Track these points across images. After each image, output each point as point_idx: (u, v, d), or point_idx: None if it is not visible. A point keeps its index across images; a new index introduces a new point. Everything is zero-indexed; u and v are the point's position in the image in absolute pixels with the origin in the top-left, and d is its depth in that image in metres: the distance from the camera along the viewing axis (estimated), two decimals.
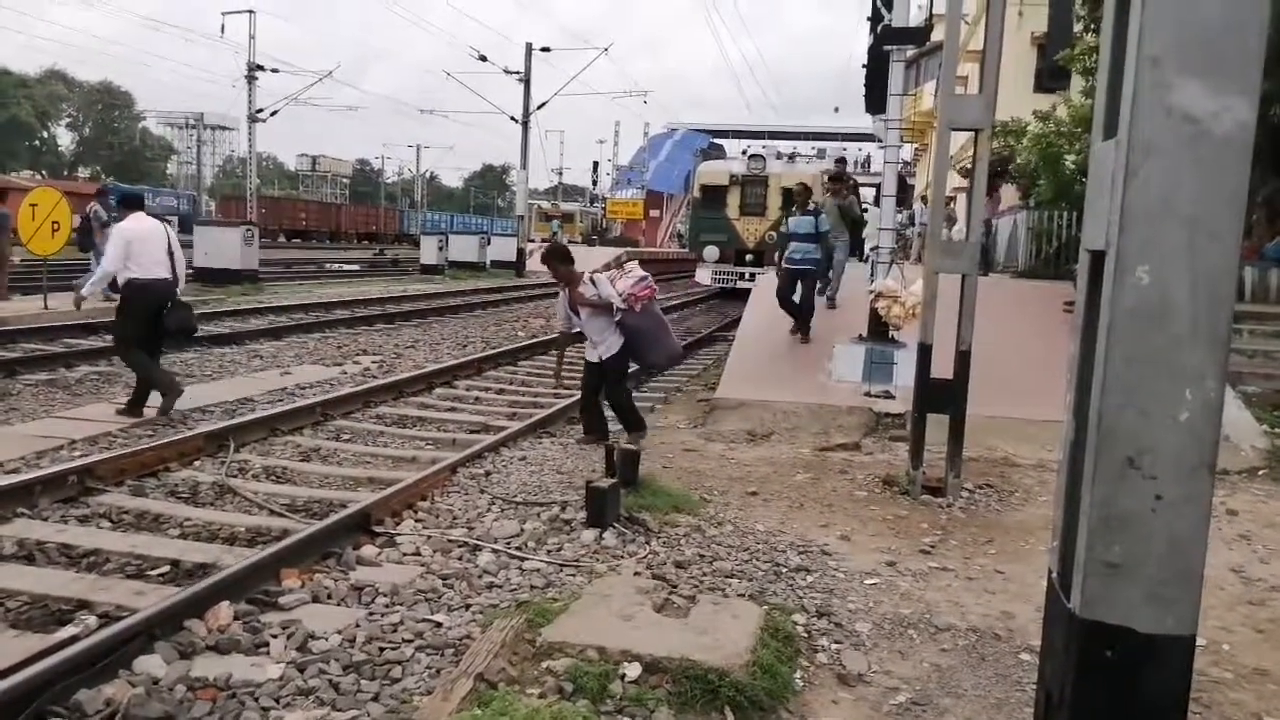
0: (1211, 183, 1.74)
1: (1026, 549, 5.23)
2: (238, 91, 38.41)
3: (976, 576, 4.77)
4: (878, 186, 13.89)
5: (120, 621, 3.58)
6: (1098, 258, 1.91)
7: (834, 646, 3.83)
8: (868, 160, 56.58)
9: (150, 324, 7.60)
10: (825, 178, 16.80)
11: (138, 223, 7.67)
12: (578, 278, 7.32)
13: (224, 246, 20.00)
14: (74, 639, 3.46)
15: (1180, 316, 1.78)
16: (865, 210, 14.75)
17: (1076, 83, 16.56)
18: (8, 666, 3.17)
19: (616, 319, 7.21)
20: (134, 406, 7.55)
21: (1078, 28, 14.82)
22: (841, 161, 18.16)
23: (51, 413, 7.67)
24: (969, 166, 6.82)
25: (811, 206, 11.28)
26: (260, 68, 37.17)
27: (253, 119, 37.51)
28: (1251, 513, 6.07)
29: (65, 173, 75.43)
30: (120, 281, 7.62)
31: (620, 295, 7.14)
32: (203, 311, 14.73)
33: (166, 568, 4.45)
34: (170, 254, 7.62)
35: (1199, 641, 2.42)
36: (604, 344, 7.28)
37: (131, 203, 8.11)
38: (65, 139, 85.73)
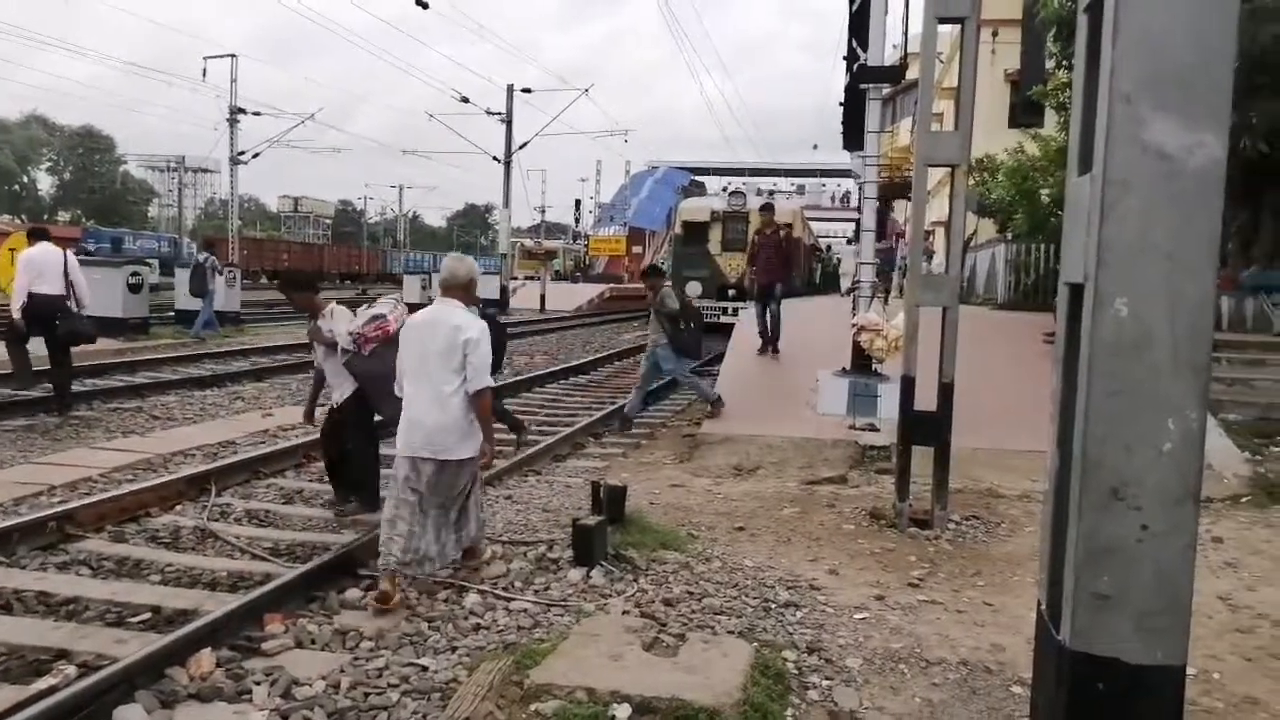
0: (1187, 217, 1.77)
1: (1015, 580, 5.22)
2: (219, 134, 38.56)
3: (966, 609, 4.75)
4: (857, 222, 13.77)
5: (100, 671, 3.52)
6: (1076, 290, 1.93)
7: (825, 683, 3.81)
8: (846, 196, 57.23)
9: (41, 329, 9.16)
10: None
11: (40, 249, 9.31)
12: (319, 308, 6.21)
13: None
14: (52, 689, 3.40)
15: (1160, 348, 1.80)
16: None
17: (1051, 118, 16.83)
18: None
19: (343, 360, 6.07)
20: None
21: (1050, 64, 15.07)
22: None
23: (30, 458, 7.57)
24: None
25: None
26: (242, 111, 37.19)
27: (234, 161, 37.49)
28: (1236, 540, 6.09)
29: (45, 217, 75.11)
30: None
31: (349, 334, 5.94)
32: (183, 354, 14.67)
33: (147, 615, 4.38)
34: (66, 274, 9.10)
35: (1189, 671, 2.42)
36: (339, 389, 6.29)
37: (36, 235, 9.94)
38: (45, 183, 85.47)
